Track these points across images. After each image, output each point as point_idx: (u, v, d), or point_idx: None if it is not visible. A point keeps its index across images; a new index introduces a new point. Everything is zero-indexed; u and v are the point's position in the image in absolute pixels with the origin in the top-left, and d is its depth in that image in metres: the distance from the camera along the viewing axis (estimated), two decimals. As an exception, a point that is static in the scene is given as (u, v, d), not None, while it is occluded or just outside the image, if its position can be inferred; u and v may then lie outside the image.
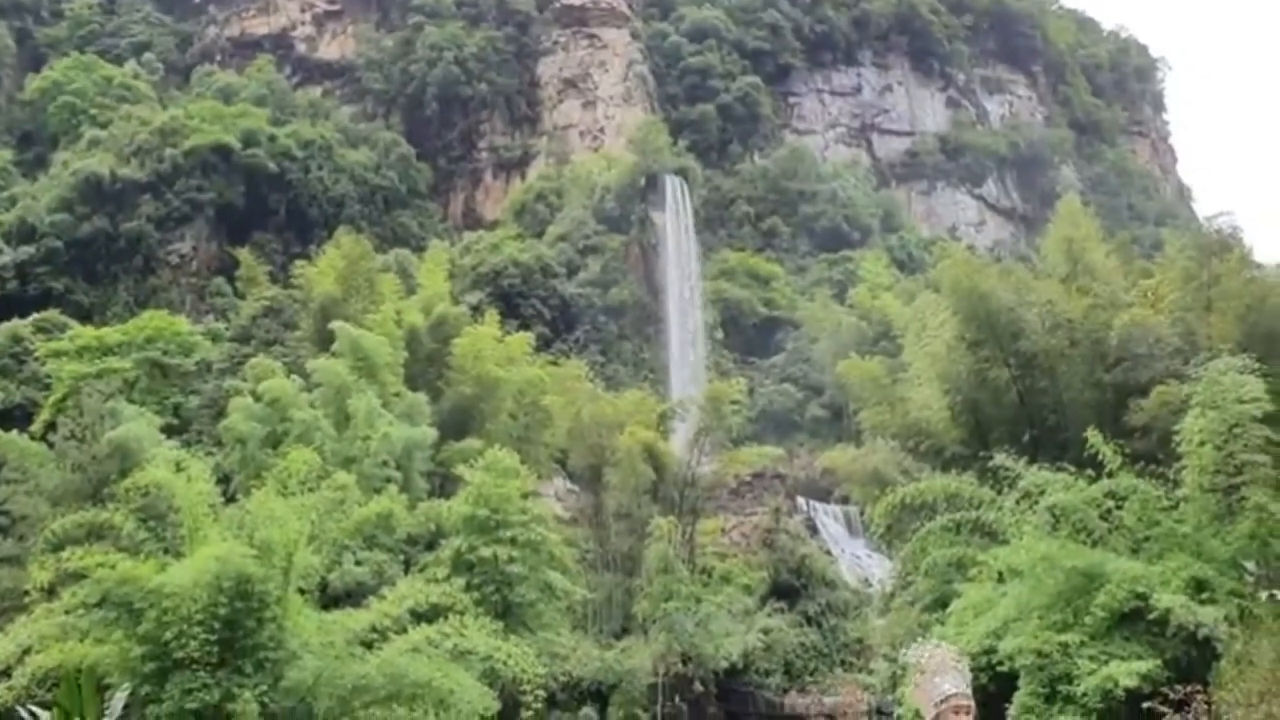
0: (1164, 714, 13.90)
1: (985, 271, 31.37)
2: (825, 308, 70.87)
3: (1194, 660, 18.70)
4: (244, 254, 55.26)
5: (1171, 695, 14.29)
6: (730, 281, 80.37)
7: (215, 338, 48.67)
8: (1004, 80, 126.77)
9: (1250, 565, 19.04)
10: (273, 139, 75.40)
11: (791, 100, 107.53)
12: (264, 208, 74.28)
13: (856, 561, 49.62)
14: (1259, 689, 13.58)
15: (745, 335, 78.62)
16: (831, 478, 48.38)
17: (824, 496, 55.50)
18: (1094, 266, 33.43)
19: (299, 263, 48.08)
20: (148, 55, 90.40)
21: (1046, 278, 34.98)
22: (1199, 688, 15.21)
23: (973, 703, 5.72)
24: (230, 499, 29.25)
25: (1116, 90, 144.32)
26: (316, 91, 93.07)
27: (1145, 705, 15.15)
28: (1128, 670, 18.36)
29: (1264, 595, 17.82)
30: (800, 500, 55.03)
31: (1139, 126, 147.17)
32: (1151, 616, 19.43)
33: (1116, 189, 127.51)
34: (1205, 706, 14.26)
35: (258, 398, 35.84)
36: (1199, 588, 20.21)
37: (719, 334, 76.08)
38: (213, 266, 70.52)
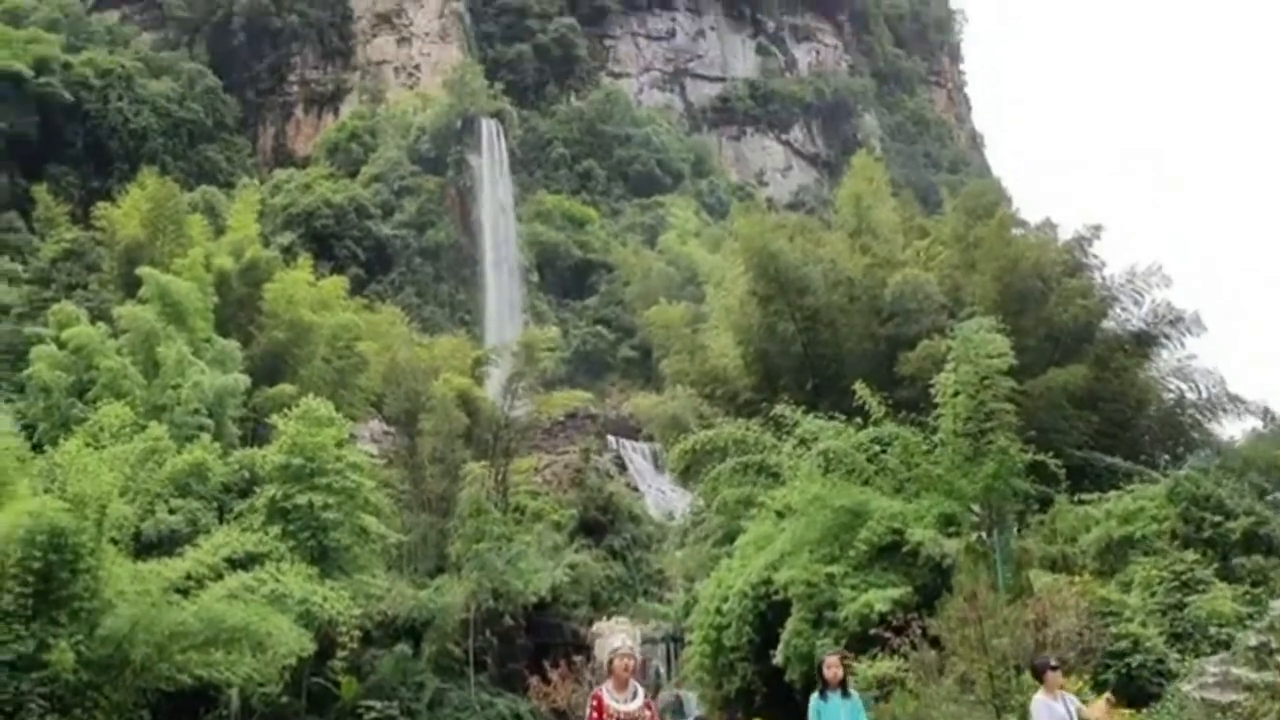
0: (888, 639, 16.32)
1: (776, 231, 33.67)
2: (636, 253, 72.99)
3: (939, 587, 21.49)
4: (41, 192, 52.90)
5: (893, 621, 16.74)
6: (546, 224, 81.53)
7: (12, 280, 46.87)
8: (812, 28, 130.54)
9: (975, 507, 21.92)
10: (68, 66, 71.54)
11: (607, 43, 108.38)
12: (60, 139, 70.67)
13: (661, 496, 52.20)
14: (959, 615, 16.11)
15: (561, 277, 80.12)
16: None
17: (633, 434, 57.90)
18: (878, 223, 36.21)
19: (102, 204, 46.65)
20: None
21: (840, 229, 37.72)
22: (916, 615, 17.81)
23: (635, 655, 8.06)
24: (37, 448, 29.13)
25: (917, 41, 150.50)
26: (114, 16, 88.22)
27: (871, 631, 17.66)
28: (882, 597, 20.99)
29: (974, 536, 20.70)
30: (610, 438, 57.29)
31: (937, 76, 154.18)
32: (905, 549, 22.16)
33: (914, 136, 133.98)
34: (920, 630, 16.78)
35: (62, 345, 35.26)
36: (947, 523, 23.06)
37: (535, 276, 77.30)
38: (4, 201, 66.80)
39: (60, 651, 22.37)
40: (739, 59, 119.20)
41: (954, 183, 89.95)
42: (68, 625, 23.22)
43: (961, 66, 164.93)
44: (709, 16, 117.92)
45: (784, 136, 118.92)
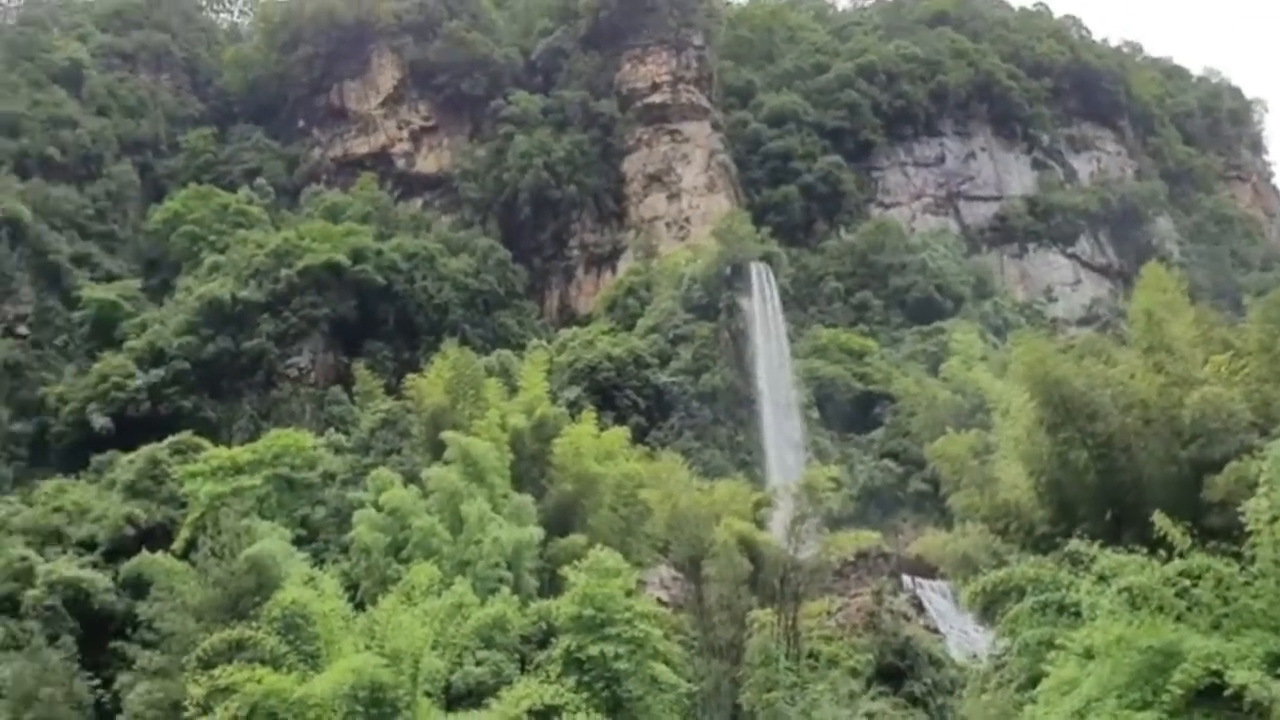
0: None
1: (1059, 355, 32.37)
2: (919, 382, 71.54)
3: (1271, 735, 19.39)
4: (360, 370, 58.88)
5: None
6: (823, 359, 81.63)
7: (337, 449, 51.87)
8: (1090, 137, 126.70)
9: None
10: (379, 253, 79.98)
11: (874, 175, 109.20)
12: (374, 318, 78.60)
13: (965, 638, 49.69)
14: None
15: (842, 411, 79.49)
16: (937, 553, 48.81)
17: (930, 573, 55.74)
18: (1173, 338, 33.99)
19: (411, 375, 51.19)
20: (259, 180, 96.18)
21: (1133, 346, 35.73)
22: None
23: None
24: (359, 606, 31.63)
25: (1210, 136, 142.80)
26: (417, 204, 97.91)
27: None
28: (1205, 747, 19.20)
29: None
30: (906, 578, 55.37)
31: (1237, 171, 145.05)
32: (1227, 693, 20.21)
33: (1217, 237, 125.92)
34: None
35: (379, 508, 38.44)
36: (1276, 662, 20.89)
37: (814, 412, 77.12)
38: (329, 377, 74.72)
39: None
40: (1014, 176, 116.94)
41: (1267, 282, 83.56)
42: (387, 776, 24.81)
43: (1266, 157, 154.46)
44: (979, 138, 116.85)
45: (1070, 250, 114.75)
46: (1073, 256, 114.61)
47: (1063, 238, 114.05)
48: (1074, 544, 24.53)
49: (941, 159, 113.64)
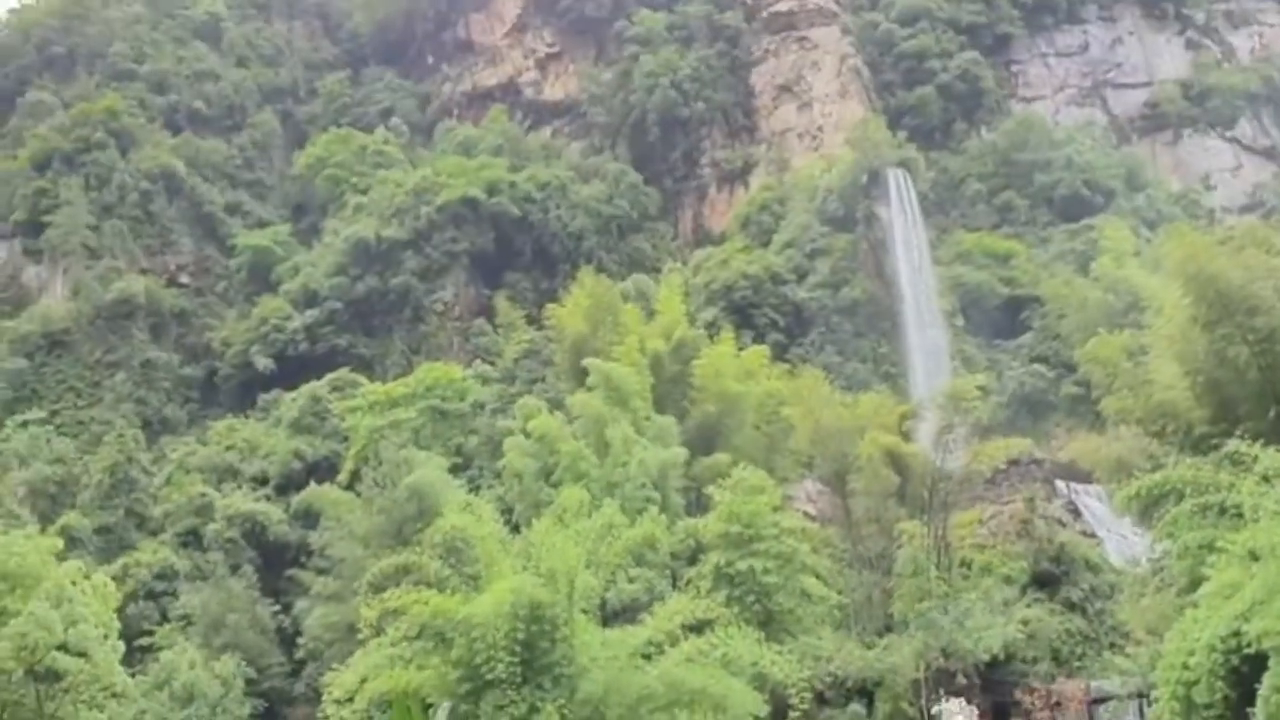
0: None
1: (1215, 248, 31.01)
2: (1068, 283, 69.15)
3: None
4: (501, 302, 60.17)
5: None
6: (966, 264, 79.46)
7: (484, 380, 53.49)
8: (1250, 10, 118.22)
9: None
10: (513, 185, 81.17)
11: (1014, 69, 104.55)
12: (511, 250, 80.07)
13: (1124, 541, 48.63)
14: None
15: (988, 318, 77.54)
16: (1092, 457, 47.71)
17: (1084, 478, 54.52)
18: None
19: (550, 305, 52.15)
20: (394, 119, 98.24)
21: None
22: None
23: None
24: (514, 529, 32.85)
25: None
26: (546, 132, 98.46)
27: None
28: (1381, 648, 18.54)
29: None
30: (1059, 484, 54.29)
31: None
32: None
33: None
34: None
35: (528, 435, 39.61)
36: None
37: (959, 320, 75.46)
38: (473, 309, 76.68)
39: (547, 714, 24.92)
40: (1165, 59, 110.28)
41: None
42: (550, 690, 25.83)
43: None
44: (1125, 21, 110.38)
45: (1229, 134, 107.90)
46: (1232, 140, 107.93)
47: (1221, 121, 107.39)
48: (1234, 444, 23.78)
49: (1085, 47, 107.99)
